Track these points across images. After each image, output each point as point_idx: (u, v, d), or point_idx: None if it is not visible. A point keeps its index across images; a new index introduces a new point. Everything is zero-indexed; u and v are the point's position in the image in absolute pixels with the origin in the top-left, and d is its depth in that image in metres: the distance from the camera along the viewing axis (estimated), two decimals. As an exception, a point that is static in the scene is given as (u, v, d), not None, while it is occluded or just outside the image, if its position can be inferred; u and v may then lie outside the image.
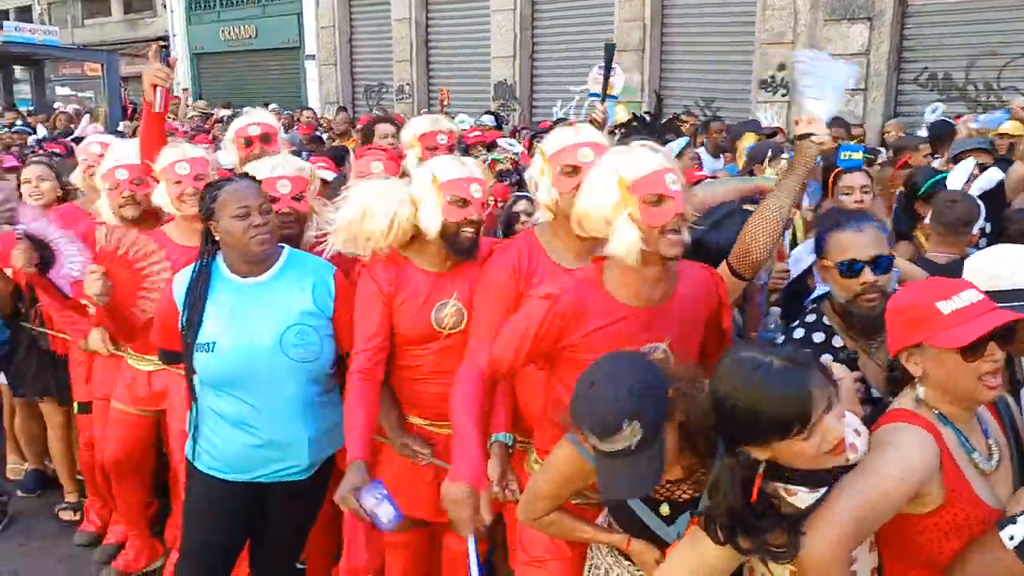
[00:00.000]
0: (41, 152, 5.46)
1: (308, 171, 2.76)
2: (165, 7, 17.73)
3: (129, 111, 12.55)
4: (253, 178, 2.41)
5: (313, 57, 15.09)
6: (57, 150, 4.36)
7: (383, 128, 3.88)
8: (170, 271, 2.64)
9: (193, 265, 2.36)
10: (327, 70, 14.91)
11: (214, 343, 2.28)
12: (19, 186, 3.92)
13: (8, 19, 20.35)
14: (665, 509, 1.84)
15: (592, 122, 4.01)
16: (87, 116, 8.09)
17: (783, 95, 9.32)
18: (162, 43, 17.74)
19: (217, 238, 2.32)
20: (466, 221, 2.30)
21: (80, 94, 18.36)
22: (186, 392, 2.45)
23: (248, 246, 2.28)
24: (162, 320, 2.45)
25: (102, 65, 13.32)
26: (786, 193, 2.16)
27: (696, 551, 1.68)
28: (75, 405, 3.52)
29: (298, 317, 2.33)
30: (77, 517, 3.92)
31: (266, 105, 11.46)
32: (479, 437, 2.09)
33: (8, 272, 3.45)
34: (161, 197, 2.89)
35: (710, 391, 1.60)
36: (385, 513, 2.12)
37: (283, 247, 2.44)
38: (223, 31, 16.56)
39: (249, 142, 3.16)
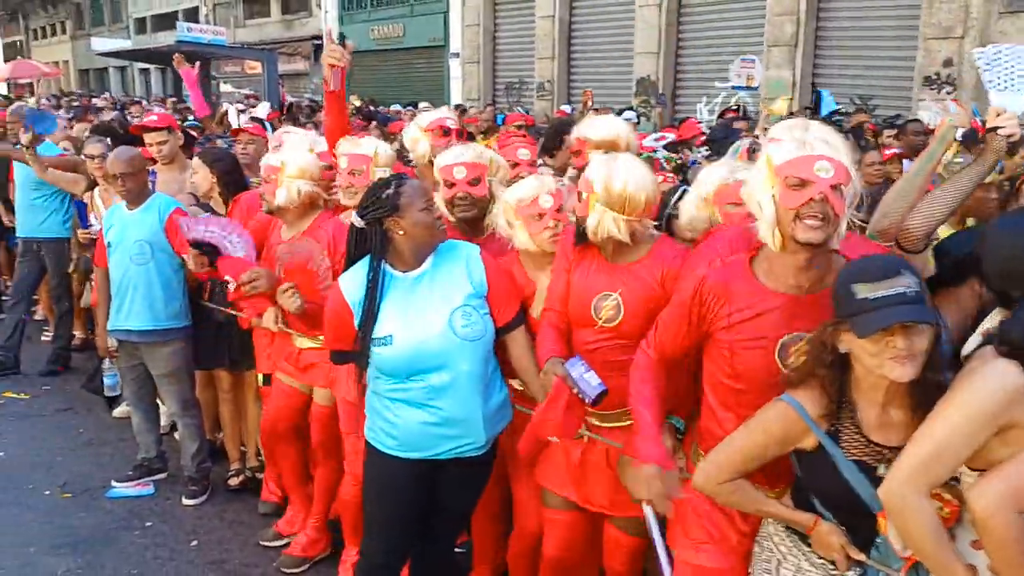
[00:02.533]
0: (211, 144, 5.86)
1: (487, 158, 2.84)
2: (320, 7, 18.54)
3: (285, 107, 13.23)
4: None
5: (457, 55, 15.43)
6: (258, 134, 4.72)
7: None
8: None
9: (362, 266, 2.42)
10: (470, 68, 15.20)
11: (390, 336, 2.38)
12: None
13: (178, 20, 21.91)
14: (883, 471, 1.77)
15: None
16: (232, 108, 8.52)
17: (949, 93, 8.76)
18: (316, 41, 18.63)
19: (399, 232, 2.37)
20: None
21: (239, 90, 19.54)
22: (355, 376, 2.56)
23: (435, 236, 2.41)
24: (335, 323, 2.50)
25: (262, 63, 14.10)
26: (965, 180, 2.16)
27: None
28: (259, 377, 3.75)
29: (461, 300, 2.43)
30: (240, 482, 4.19)
31: (415, 104, 11.86)
32: (657, 421, 2.14)
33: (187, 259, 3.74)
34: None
35: (987, 254, 1.82)
36: (593, 379, 2.25)
37: None
38: (373, 30, 17.18)
39: (447, 132, 3.28)
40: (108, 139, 4.72)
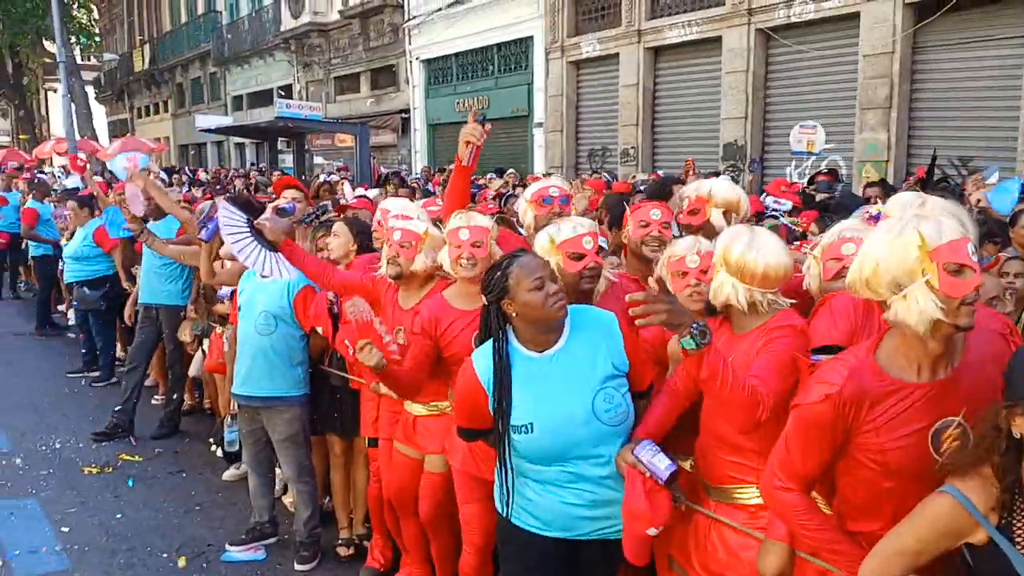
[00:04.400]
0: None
1: (597, 228, 2.87)
2: (408, 83, 19.24)
3: (376, 178, 13.66)
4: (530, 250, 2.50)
5: (541, 125, 15.71)
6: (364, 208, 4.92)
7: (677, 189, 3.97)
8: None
9: (491, 346, 2.40)
10: (553, 136, 15.45)
11: (531, 424, 2.33)
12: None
13: (274, 98, 23.04)
14: None
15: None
16: (348, 183, 8.88)
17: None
18: (403, 114, 19.28)
19: (512, 314, 2.35)
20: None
21: (330, 162, 20.30)
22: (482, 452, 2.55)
23: (549, 315, 2.32)
24: (466, 401, 2.48)
25: (355, 136, 14.66)
26: None
27: None
28: (367, 439, 3.80)
29: (601, 382, 2.36)
30: (351, 552, 4.21)
31: (500, 172, 12.10)
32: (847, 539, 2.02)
33: (319, 330, 3.88)
34: (444, 258, 3.09)
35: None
36: (662, 462, 2.25)
37: None
38: (458, 103, 17.69)
39: (548, 201, 3.32)
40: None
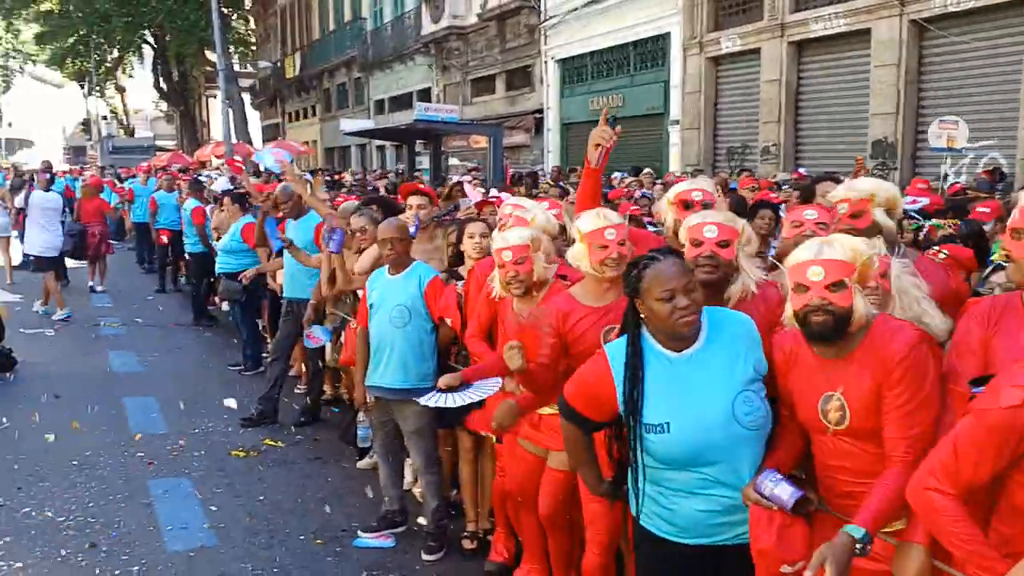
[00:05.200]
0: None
1: (741, 225, 2.75)
2: (542, 83, 19.36)
3: (508, 178, 13.82)
4: (678, 253, 2.40)
5: (677, 122, 15.42)
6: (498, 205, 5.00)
7: (824, 186, 3.81)
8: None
9: (624, 340, 2.37)
10: (690, 134, 15.13)
11: (667, 423, 2.27)
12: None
13: (413, 101, 23.76)
14: None
15: None
16: (468, 184, 9.04)
17: None
18: (537, 115, 19.43)
19: (643, 316, 2.32)
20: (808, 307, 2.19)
21: (464, 163, 20.71)
22: (613, 456, 2.52)
23: (673, 328, 2.27)
24: (591, 388, 2.44)
25: (489, 137, 14.89)
26: None
27: None
28: (494, 436, 3.85)
29: (740, 385, 2.29)
30: (474, 545, 4.27)
31: (637, 171, 11.97)
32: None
33: (448, 321, 3.97)
34: (579, 258, 3.03)
35: None
36: (784, 491, 2.15)
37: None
38: (592, 101, 17.64)
39: (689, 205, 3.24)
40: (376, 209, 5.11)
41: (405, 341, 4.05)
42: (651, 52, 16.28)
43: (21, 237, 11.09)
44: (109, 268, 12.79)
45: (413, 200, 4.81)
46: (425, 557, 4.16)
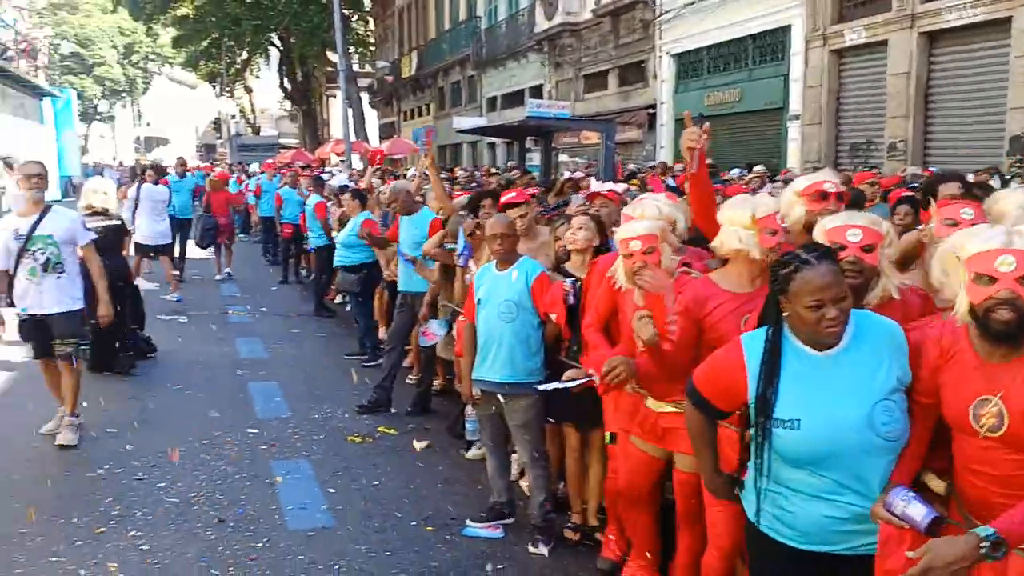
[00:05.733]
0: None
1: (885, 228, 2.62)
2: (656, 78, 19.12)
3: (620, 174, 13.72)
4: (833, 255, 2.27)
5: (797, 117, 14.93)
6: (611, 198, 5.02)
7: (947, 187, 3.62)
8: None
9: (762, 332, 2.31)
10: (810, 129, 14.62)
11: (798, 420, 2.20)
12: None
13: (525, 98, 23.90)
14: None
15: None
16: (592, 179, 9.05)
17: None
18: (650, 110, 19.21)
19: (786, 315, 2.24)
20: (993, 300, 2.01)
21: (574, 159, 20.70)
22: (736, 452, 2.48)
23: (817, 335, 2.20)
24: (721, 375, 2.40)
25: (601, 133, 14.82)
26: None
27: None
28: (607, 435, 3.86)
29: (882, 393, 2.19)
30: (577, 537, 4.30)
31: (749, 167, 11.67)
32: None
33: (553, 317, 4.02)
34: (743, 241, 2.94)
35: None
36: (917, 511, 2.07)
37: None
38: (708, 96, 17.29)
39: (825, 196, 3.15)
40: (489, 204, 5.21)
41: (513, 336, 4.11)
42: (770, 45, 15.82)
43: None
44: (237, 259, 13.52)
45: (511, 213, 4.77)
46: (533, 549, 4.21)
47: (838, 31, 13.82)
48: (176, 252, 12.34)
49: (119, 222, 7.57)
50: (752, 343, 2.33)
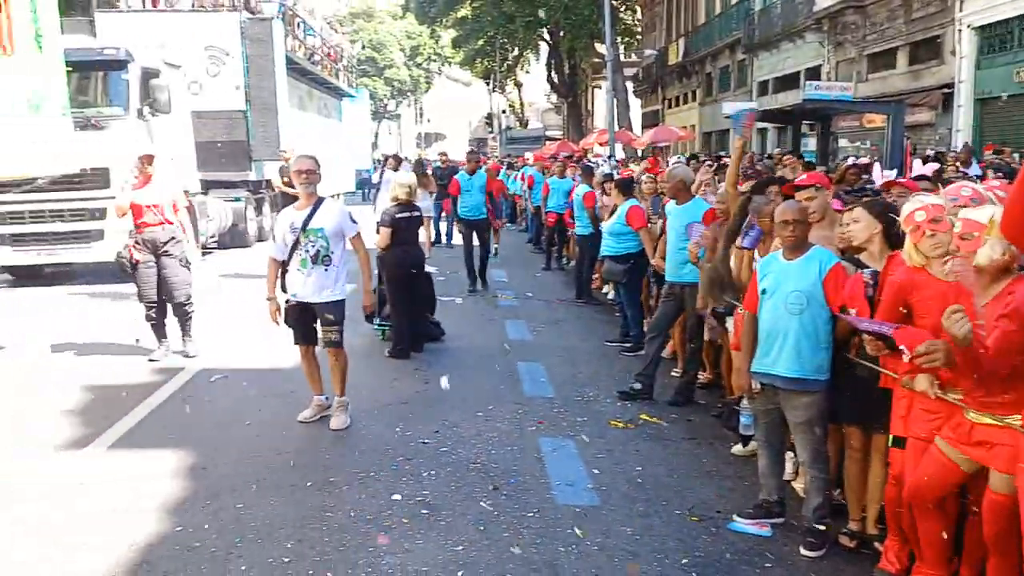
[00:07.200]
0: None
1: None
2: (953, 54, 17.24)
3: (908, 161, 12.56)
4: None
5: None
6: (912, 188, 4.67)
7: None
8: None
9: None
10: None
11: None
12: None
13: (800, 81, 22.64)
14: None
15: None
16: (876, 165, 8.36)
17: None
18: (945, 90, 17.37)
19: None
20: None
21: (855, 144, 19.26)
22: None
23: None
24: None
25: (888, 116, 13.64)
26: None
27: None
28: (890, 438, 3.60)
29: None
30: (853, 544, 4.06)
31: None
32: None
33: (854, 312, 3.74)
34: None
35: None
36: None
37: None
38: (1017, 73, 15.29)
39: None
40: (776, 191, 5.03)
41: (800, 329, 3.92)
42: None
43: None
44: (505, 246, 14.22)
45: (799, 196, 4.51)
46: (804, 552, 4.02)
47: None
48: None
49: (418, 213, 8.06)
50: None
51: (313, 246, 5.60)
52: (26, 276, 12.43)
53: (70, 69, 8.46)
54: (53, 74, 7.62)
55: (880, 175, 6.75)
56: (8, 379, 7.12)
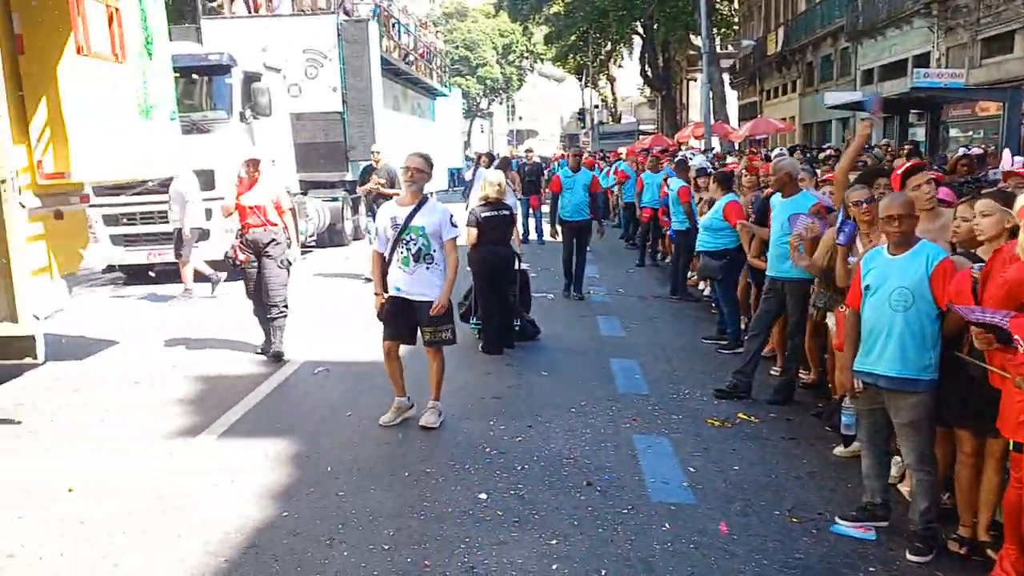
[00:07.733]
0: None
1: None
2: (1079, 35, 16.17)
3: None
4: None
5: None
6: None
7: None
8: None
9: None
10: None
11: None
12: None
13: (908, 68, 21.68)
14: None
15: None
16: (1007, 151, 7.91)
17: None
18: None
19: None
20: None
21: (968, 134, 18.30)
22: None
23: None
24: None
25: (1003, 103, 12.94)
26: None
27: None
28: (1011, 443, 3.42)
29: None
30: (963, 551, 3.89)
31: None
32: None
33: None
34: None
35: None
36: None
37: None
38: None
39: None
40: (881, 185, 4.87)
41: (905, 326, 3.78)
42: None
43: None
44: (596, 242, 14.12)
45: (912, 180, 4.34)
46: (911, 558, 3.87)
47: None
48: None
49: (508, 212, 8.07)
50: None
51: (414, 244, 5.56)
52: (137, 275, 13.12)
53: (177, 75, 8.87)
54: (162, 81, 8.01)
55: (1010, 161, 6.45)
56: (124, 372, 7.54)
